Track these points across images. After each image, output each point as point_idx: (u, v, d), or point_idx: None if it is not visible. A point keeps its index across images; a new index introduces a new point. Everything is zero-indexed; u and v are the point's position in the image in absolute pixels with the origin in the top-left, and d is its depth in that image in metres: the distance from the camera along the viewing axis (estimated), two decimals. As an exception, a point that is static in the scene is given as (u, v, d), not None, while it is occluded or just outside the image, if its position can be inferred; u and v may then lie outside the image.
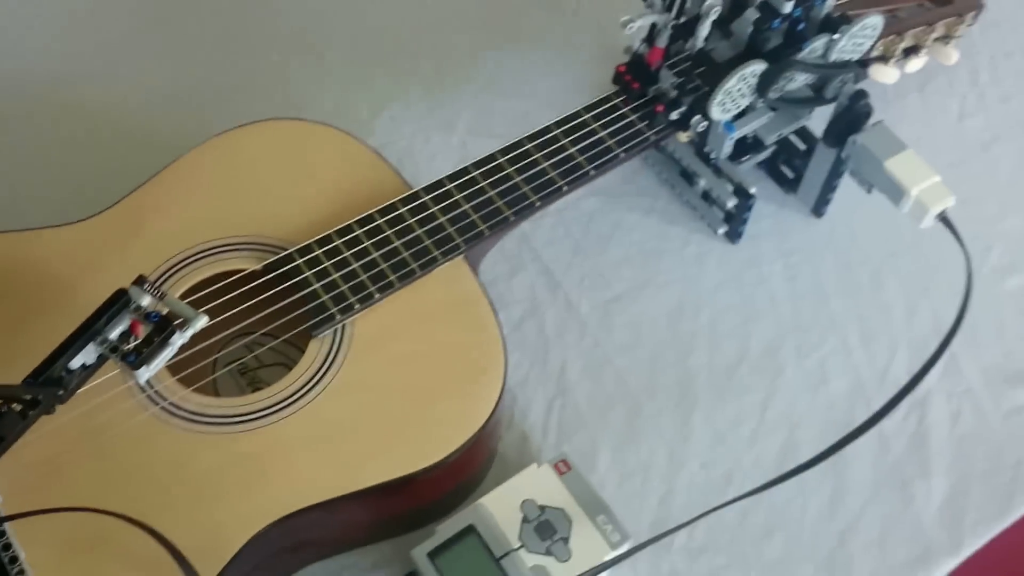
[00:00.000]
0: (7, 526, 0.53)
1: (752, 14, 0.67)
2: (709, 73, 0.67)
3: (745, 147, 0.78)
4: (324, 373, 0.62)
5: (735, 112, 0.70)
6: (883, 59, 0.82)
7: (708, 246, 0.82)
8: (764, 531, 0.69)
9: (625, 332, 0.77)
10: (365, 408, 0.61)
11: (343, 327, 0.64)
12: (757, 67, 0.67)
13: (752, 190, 0.76)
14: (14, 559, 0.51)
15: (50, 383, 0.55)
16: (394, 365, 0.63)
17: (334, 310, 0.64)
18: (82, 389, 0.58)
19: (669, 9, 0.69)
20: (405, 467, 0.60)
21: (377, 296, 0.65)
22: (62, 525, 0.55)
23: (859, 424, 0.70)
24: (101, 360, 0.57)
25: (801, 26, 0.68)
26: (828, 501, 0.71)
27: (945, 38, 0.86)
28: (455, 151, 0.86)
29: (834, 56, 0.70)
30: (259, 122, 0.72)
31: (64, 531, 0.55)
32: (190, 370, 0.64)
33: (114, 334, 0.57)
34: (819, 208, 0.83)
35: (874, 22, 0.69)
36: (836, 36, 0.68)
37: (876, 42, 0.79)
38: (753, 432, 0.73)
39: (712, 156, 0.77)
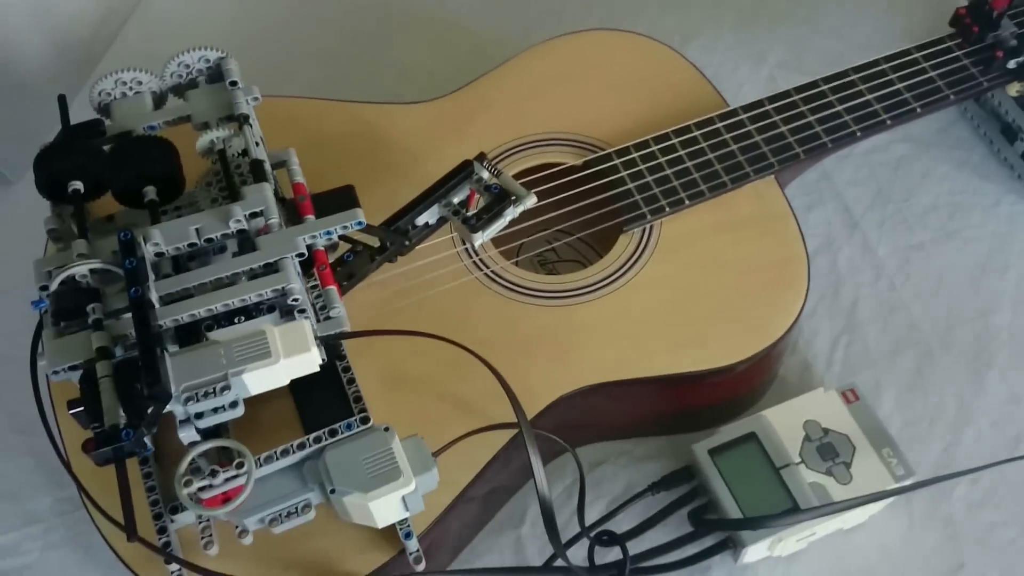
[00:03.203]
0: (348, 354, 0.60)
1: None
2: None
3: (1083, 107, 0.74)
4: (631, 266, 0.66)
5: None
6: None
7: (1022, 207, 0.78)
8: (1050, 497, 0.66)
9: (924, 280, 0.75)
10: (666, 304, 0.64)
11: (651, 227, 0.67)
12: None
13: (1087, 151, 0.72)
14: (352, 380, 0.58)
15: (399, 232, 0.62)
16: (697, 269, 0.65)
17: (645, 210, 0.67)
18: (418, 248, 0.64)
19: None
20: (697, 364, 0.62)
21: (687, 202, 0.67)
22: (388, 362, 0.61)
23: None
24: (441, 221, 0.63)
25: None
26: None
27: None
28: (763, 83, 0.86)
29: None
30: (587, 30, 0.76)
31: (390, 368, 0.61)
32: (500, 250, 0.69)
33: (456, 199, 0.62)
34: None
35: None
36: None
37: None
38: (1052, 400, 0.70)
39: (1046, 111, 0.73)
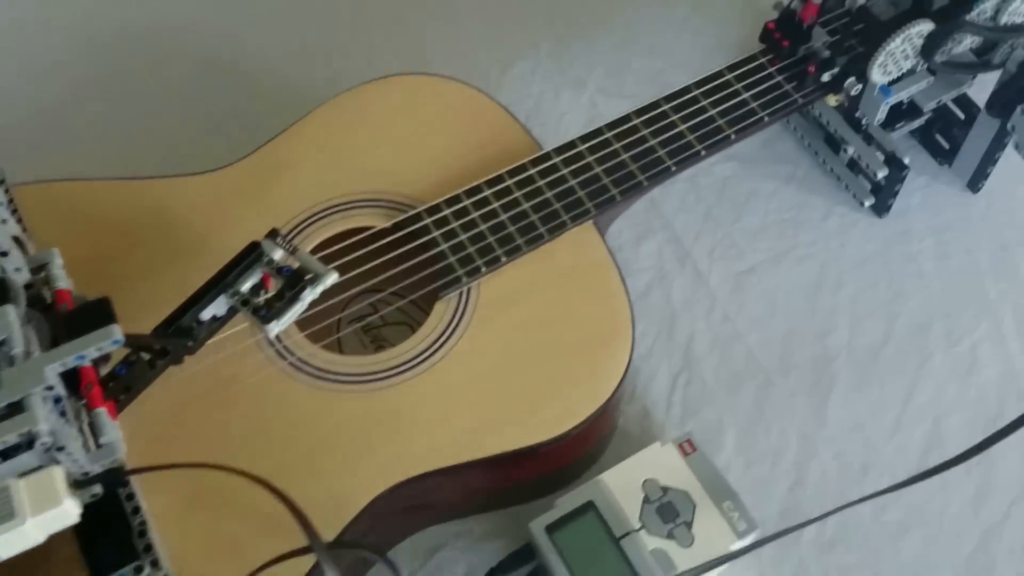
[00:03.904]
0: (132, 477, 0.54)
1: (922, -31, 0.61)
2: (870, 32, 0.62)
3: (899, 114, 0.73)
4: (449, 336, 0.61)
5: (896, 75, 0.65)
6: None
7: (852, 218, 0.77)
8: (900, 529, 0.65)
9: (758, 306, 0.73)
10: (489, 374, 0.60)
11: (469, 290, 0.63)
12: (924, 27, 0.61)
13: (906, 160, 0.71)
14: (137, 509, 0.52)
15: (180, 333, 0.55)
16: (519, 331, 0.61)
17: (460, 272, 0.63)
18: (210, 341, 0.58)
19: (828, -38, 0.64)
20: (528, 438, 0.58)
21: (504, 260, 0.63)
22: (184, 478, 0.55)
23: (1012, 420, 0.66)
24: (231, 312, 0.57)
25: (975, -16, 0.62)
26: (971, 500, 0.66)
27: None
28: (584, 110, 0.83)
29: (1005, 19, 0.63)
30: (389, 77, 0.71)
31: (186, 484, 0.55)
32: (315, 327, 0.63)
33: (246, 287, 0.56)
34: (976, 182, 0.77)
35: (1059, -20, 0.63)
36: (1013, -4, 0.62)
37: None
38: (895, 421, 0.69)
39: (864, 122, 0.72)
